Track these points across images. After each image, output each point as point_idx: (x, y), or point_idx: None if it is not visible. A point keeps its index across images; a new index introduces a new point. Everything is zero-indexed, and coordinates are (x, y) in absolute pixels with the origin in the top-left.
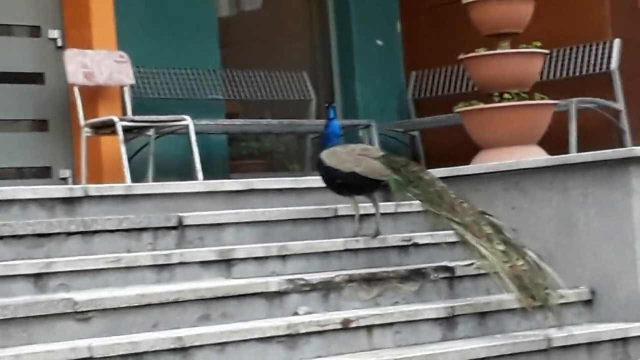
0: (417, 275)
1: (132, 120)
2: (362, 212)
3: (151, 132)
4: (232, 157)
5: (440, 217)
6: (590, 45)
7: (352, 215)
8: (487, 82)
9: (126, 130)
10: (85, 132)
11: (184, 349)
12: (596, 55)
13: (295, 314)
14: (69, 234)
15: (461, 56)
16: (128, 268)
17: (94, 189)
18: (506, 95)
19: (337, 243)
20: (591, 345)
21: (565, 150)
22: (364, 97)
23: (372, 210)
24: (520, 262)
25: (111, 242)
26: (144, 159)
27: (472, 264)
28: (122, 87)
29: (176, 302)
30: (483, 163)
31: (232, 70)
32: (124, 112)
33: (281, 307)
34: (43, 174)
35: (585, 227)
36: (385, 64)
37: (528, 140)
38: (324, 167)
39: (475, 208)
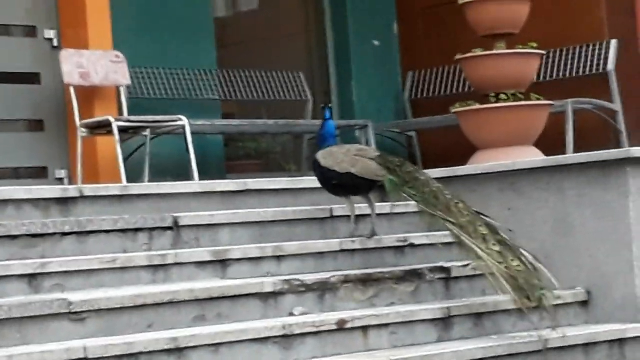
0: (413, 276)
1: (128, 121)
2: (358, 212)
3: (147, 132)
4: (229, 158)
5: (435, 218)
6: (587, 46)
7: (348, 216)
8: (483, 83)
9: (122, 130)
10: (81, 133)
11: (178, 350)
12: (593, 56)
13: (291, 314)
14: (64, 234)
15: (457, 57)
16: (123, 268)
17: (89, 189)
18: (502, 96)
19: (333, 244)
20: (588, 346)
21: (562, 151)
22: (360, 98)
23: (368, 211)
24: (516, 263)
25: (106, 243)
26: (140, 159)
27: (468, 264)
28: (118, 88)
29: (171, 303)
30: (479, 164)
31: (229, 70)
32: (120, 113)
33: (276, 308)
34: (39, 174)
35: (582, 227)
36: (382, 64)
37: (524, 141)
38: (319, 168)
39: (470, 209)
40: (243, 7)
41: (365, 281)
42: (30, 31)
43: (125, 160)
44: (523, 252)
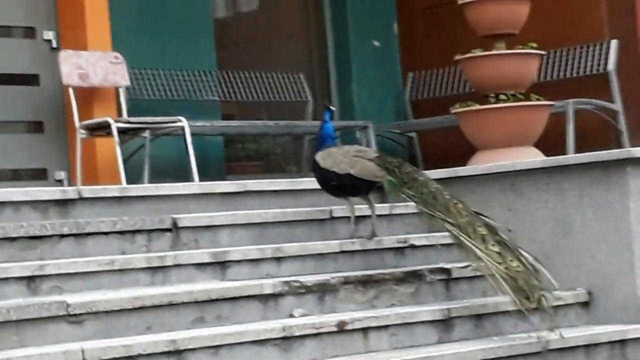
0: (414, 277)
1: (128, 122)
2: (357, 213)
3: (147, 133)
4: (229, 159)
5: (434, 219)
6: (588, 46)
7: (348, 217)
8: (483, 83)
9: (121, 131)
10: (81, 134)
11: (177, 352)
12: (593, 56)
13: (291, 316)
14: (62, 236)
15: (457, 57)
16: (122, 270)
17: (88, 191)
18: (502, 97)
19: (333, 245)
20: (589, 347)
21: (562, 151)
22: (360, 99)
23: (368, 212)
24: (515, 264)
25: (105, 245)
26: (140, 160)
27: (468, 265)
28: (117, 89)
29: (170, 305)
30: (479, 164)
31: (229, 71)
32: (119, 114)
33: (276, 310)
34: (39, 175)
35: (582, 228)
36: (382, 65)
37: (524, 142)
38: (319, 169)
39: (469, 209)
40: (243, 7)
41: (365, 282)
42: (29, 32)
43: (125, 161)
44: (522, 252)
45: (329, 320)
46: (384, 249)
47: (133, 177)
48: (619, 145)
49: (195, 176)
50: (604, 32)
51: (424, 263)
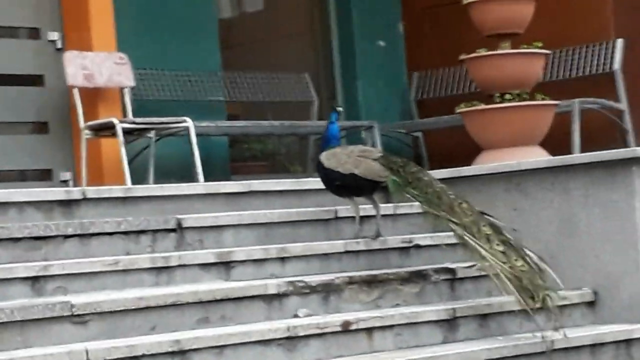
0: (418, 277)
1: (133, 122)
2: (362, 213)
3: (152, 134)
4: (234, 159)
5: (439, 218)
6: (594, 46)
7: (353, 217)
8: (488, 83)
9: (126, 132)
10: (85, 135)
11: (182, 352)
12: (599, 55)
13: (295, 316)
14: (67, 236)
15: (462, 57)
16: (126, 271)
17: (92, 192)
18: (507, 96)
19: (337, 245)
20: (594, 347)
21: (568, 151)
22: (366, 98)
23: (372, 212)
24: (520, 263)
25: (109, 245)
26: (145, 161)
27: (473, 265)
28: (122, 89)
29: (174, 305)
30: (484, 164)
31: (233, 71)
32: (124, 114)
33: (280, 310)
34: (44, 176)
35: (587, 228)
36: (388, 65)
37: (529, 141)
38: (323, 169)
39: (474, 208)
40: (248, 8)
41: (370, 282)
42: (34, 33)
43: (130, 162)
44: (527, 252)
45: (334, 320)
46: (389, 248)
47: (138, 178)
48: (625, 144)
49: (201, 176)
50: (610, 31)
51: (429, 263)
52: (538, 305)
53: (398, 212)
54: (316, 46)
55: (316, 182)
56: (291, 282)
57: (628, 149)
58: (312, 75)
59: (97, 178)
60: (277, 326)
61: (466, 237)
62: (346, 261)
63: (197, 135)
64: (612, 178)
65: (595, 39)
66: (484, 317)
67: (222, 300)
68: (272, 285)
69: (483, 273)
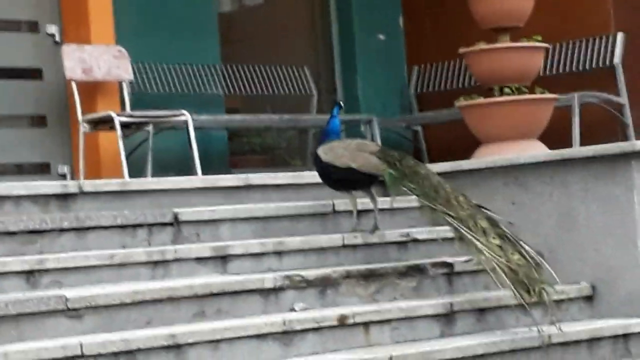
0: (416, 271)
1: (131, 116)
2: (360, 207)
3: (150, 127)
4: (233, 153)
5: (436, 212)
6: (594, 40)
7: (351, 211)
8: (487, 77)
9: (124, 125)
10: (84, 128)
11: (177, 347)
12: (599, 49)
13: (292, 310)
14: (62, 230)
15: (461, 50)
16: (122, 265)
17: (89, 185)
18: (506, 90)
19: (335, 239)
20: (592, 341)
21: (568, 145)
22: (365, 92)
23: (370, 206)
24: (516, 257)
25: (106, 239)
26: (143, 154)
27: (471, 259)
28: (120, 83)
29: (170, 299)
30: (483, 158)
31: (233, 65)
32: (123, 108)
33: (277, 304)
34: (42, 170)
35: (586, 222)
36: (388, 58)
37: (529, 135)
38: (320, 163)
39: (471, 202)
40: (248, 1)
41: (367, 276)
42: (33, 26)
43: (128, 155)
44: (524, 245)
45: (330, 314)
46: (387, 242)
47: (136, 171)
48: (625, 138)
49: (199, 170)
50: (611, 25)
51: (427, 257)
52: (534, 299)
53: (396, 206)
54: (316, 40)
55: (314, 176)
56: (288, 276)
57: (627, 143)
58: (311, 68)
59: (95, 172)
60: (273, 320)
61: (462, 231)
62: (344, 255)
63: (196, 128)
64: (612, 172)
65: (595, 33)
66: (482, 311)
67: (218, 294)
68: (268, 279)
69: (481, 267)
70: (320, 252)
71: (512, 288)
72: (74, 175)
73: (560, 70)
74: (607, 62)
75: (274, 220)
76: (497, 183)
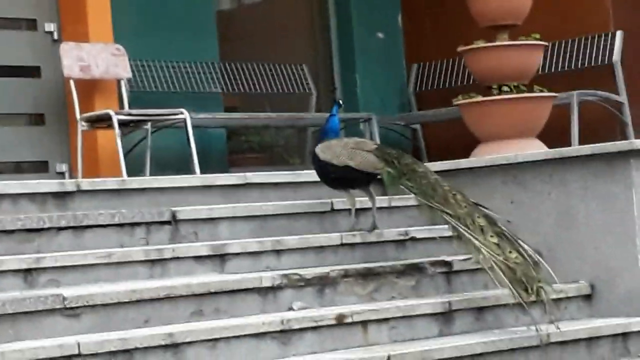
0: (414, 270)
1: (129, 114)
2: (358, 206)
3: (148, 126)
4: (232, 151)
5: (433, 210)
6: (593, 38)
7: (349, 210)
8: (485, 75)
9: (123, 124)
10: (82, 126)
11: (174, 345)
12: (598, 47)
13: (290, 309)
14: (60, 228)
15: (460, 48)
16: (120, 263)
17: (86, 184)
18: (505, 88)
19: (333, 237)
20: (590, 340)
21: (567, 143)
22: (364, 90)
23: (368, 205)
24: (514, 255)
25: (103, 237)
26: (142, 153)
27: (469, 258)
28: (118, 81)
29: (168, 298)
30: (482, 156)
31: (231, 63)
32: (121, 106)
33: (275, 303)
34: (40, 168)
35: (585, 220)
36: (387, 56)
37: (527, 133)
38: (318, 161)
39: (469, 200)
40: None
41: (366, 275)
42: (31, 24)
43: (127, 154)
44: (522, 244)
45: (328, 313)
46: (385, 241)
47: (135, 170)
48: (624, 137)
49: (197, 169)
50: (609, 23)
51: (425, 256)
52: (532, 298)
53: (395, 204)
54: (315, 38)
55: (312, 175)
56: (286, 275)
57: (626, 141)
58: (310, 67)
59: (93, 170)
60: (271, 319)
61: (460, 229)
62: (342, 254)
63: (195, 127)
64: (611, 170)
65: (594, 31)
66: (480, 310)
67: (216, 293)
68: (266, 278)
69: (479, 266)
70: (318, 251)
71: (510, 287)
72: (73, 174)
73: (559, 69)
74: (606, 61)
75: (272, 219)
76: (496, 182)
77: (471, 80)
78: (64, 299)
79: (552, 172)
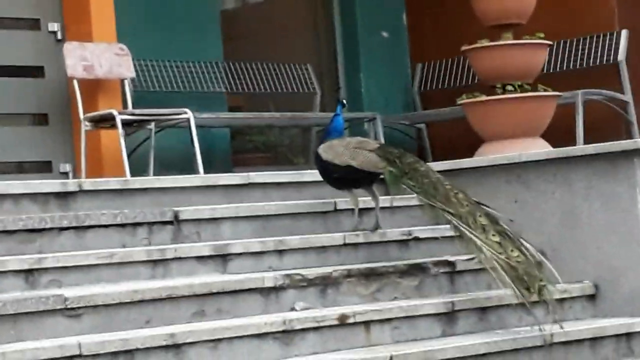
0: (417, 270)
1: (132, 114)
2: (361, 206)
3: (152, 125)
4: (236, 151)
5: (435, 209)
6: (597, 37)
7: (352, 210)
8: (490, 74)
9: (126, 123)
10: (85, 126)
11: (176, 346)
12: (603, 46)
13: (293, 309)
14: (62, 229)
15: (464, 47)
16: (122, 264)
17: (89, 184)
18: (509, 87)
19: (336, 237)
20: (594, 340)
21: (572, 142)
22: (369, 90)
23: (372, 204)
24: (516, 254)
25: (105, 237)
26: (145, 152)
27: (473, 258)
28: (122, 80)
29: (170, 298)
30: (485, 155)
31: (235, 62)
32: (125, 106)
33: (277, 303)
34: (43, 168)
35: (589, 220)
36: (391, 56)
37: (531, 133)
38: (320, 161)
39: (470, 199)
40: None
41: (369, 275)
42: (34, 24)
43: (131, 154)
44: (524, 243)
45: (331, 313)
46: (388, 241)
47: (139, 170)
48: (629, 136)
49: (201, 168)
50: (614, 22)
51: (428, 256)
52: (534, 297)
53: (397, 204)
54: (319, 37)
55: (315, 174)
56: (288, 275)
57: (630, 140)
58: (314, 66)
59: (96, 170)
60: (273, 320)
61: (462, 228)
62: (345, 254)
63: (198, 127)
64: (615, 170)
65: (599, 30)
66: (484, 310)
67: (218, 293)
68: (269, 278)
69: (482, 266)
70: (321, 251)
71: (512, 285)
72: (76, 174)
73: (564, 68)
74: (611, 60)
75: (274, 219)
76: (500, 181)
77: (476, 80)
78: (66, 299)
79: (556, 171)
